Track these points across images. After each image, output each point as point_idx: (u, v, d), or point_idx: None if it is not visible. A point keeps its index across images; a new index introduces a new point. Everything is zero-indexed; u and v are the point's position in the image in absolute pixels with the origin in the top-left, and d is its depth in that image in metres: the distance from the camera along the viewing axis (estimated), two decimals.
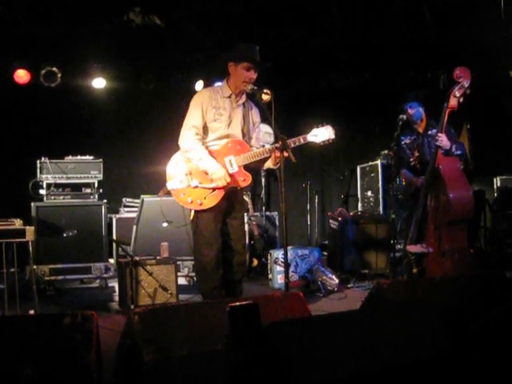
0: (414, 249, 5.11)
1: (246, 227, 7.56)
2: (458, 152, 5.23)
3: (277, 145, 4.11)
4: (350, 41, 7.70)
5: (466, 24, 7.27)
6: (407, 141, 5.65)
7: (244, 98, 4.52)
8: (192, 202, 4.30)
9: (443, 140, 4.98)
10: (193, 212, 4.43)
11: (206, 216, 4.33)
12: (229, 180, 4.25)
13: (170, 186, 4.36)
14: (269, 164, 4.47)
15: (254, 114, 4.62)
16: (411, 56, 8.05)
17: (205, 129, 4.40)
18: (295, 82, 8.40)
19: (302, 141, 4.33)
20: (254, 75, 4.34)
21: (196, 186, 4.30)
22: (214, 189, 4.30)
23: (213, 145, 4.40)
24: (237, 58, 4.36)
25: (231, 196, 4.41)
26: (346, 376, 2.28)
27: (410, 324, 2.60)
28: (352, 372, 2.30)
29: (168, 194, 4.57)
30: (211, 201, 4.29)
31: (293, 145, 4.25)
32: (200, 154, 4.28)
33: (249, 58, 4.33)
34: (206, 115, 4.37)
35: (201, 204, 4.28)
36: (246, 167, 4.41)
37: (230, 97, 4.45)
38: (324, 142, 4.41)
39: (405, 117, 5.51)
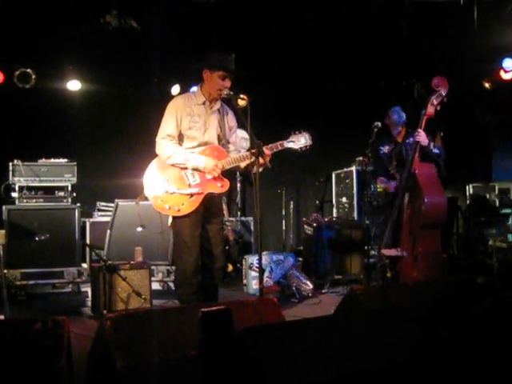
0: (388, 252, 5.17)
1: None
2: (436, 151, 5.30)
3: (252, 150, 4.10)
4: (326, 49, 7.75)
5: (440, 33, 7.38)
6: (385, 150, 5.69)
7: (218, 104, 4.52)
8: (170, 208, 4.29)
9: (422, 136, 5.06)
10: (171, 218, 4.42)
11: (184, 222, 4.32)
12: (219, 171, 4.26)
13: (147, 192, 4.35)
14: (255, 169, 4.42)
15: (230, 119, 4.62)
16: (386, 64, 8.13)
17: (181, 137, 4.41)
18: (271, 89, 8.41)
19: (279, 147, 4.35)
20: (228, 84, 4.34)
21: (173, 192, 4.29)
22: (191, 195, 4.29)
23: (191, 152, 4.38)
24: (212, 65, 4.36)
25: (209, 202, 4.41)
26: (319, 382, 2.28)
27: (383, 329, 2.61)
28: (326, 378, 2.31)
29: (145, 200, 4.54)
30: (189, 207, 4.29)
31: (270, 151, 4.26)
32: (184, 156, 4.30)
33: (224, 67, 4.34)
34: (181, 123, 4.37)
35: (178, 210, 4.27)
36: (223, 172, 4.40)
37: (204, 103, 4.44)
38: (301, 148, 4.44)
39: (380, 124, 5.57)
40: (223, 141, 4.52)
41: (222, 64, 4.35)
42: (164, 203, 4.30)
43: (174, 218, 4.37)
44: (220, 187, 4.37)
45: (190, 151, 4.37)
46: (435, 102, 5.04)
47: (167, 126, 4.37)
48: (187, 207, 4.28)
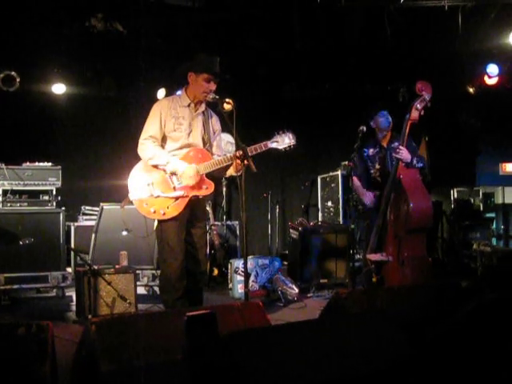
0: (374, 257, 5.18)
1: (207, 236, 7.55)
2: (420, 165, 5.33)
3: (237, 153, 4.12)
4: (311, 52, 7.78)
5: (425, 39, 7.44)
6: (369, 152, 5.70)
7: (203, 106, 4.53)
8: (155, 211, 4.28)
9: (403, 153, 5.08)
10: (156, 222, 4.40)
11: (169, 225, 4.31)
12: (198, 179, 4.25)
13: (132, 196, 4.34)
14: (231, 171, 4.46)
15: (214, 122, 4.63)
16: (371, 69, 8.18)
17: (165, 139, 4.40)
18: (256, 93, 8.43)
19: (263, 148, 4.34)
20: (213, 87, 4.36)
21: (158, 196, 4.28)
22: (176, 198, 4.29)
23: (175, 154, 4.38)
24: (197, 68, 4.37)
25: (194, 205, 4.41)
26: None
27: (367, 333, 2.62)
28: (311, 382, 2.31)
29: (130, 204, 4.53)
30: (174, 210, 4.28)
31: (254, 152, 4.25)
32: (166, 158, 4.29)
33: (209, 70, 4.35)
34: (166, 125, 4.37)
35: (164, 214, 4.26)
36: (208, 175, 4.41)
37: (188, 106, 4.45)
38: (285, 148, 4.44)
39: (365, 128, 5.58)
40: (208, 144, 4.52)
41: (207, 66, 4.36)
42: (149, 207, 4.29)
43: (160, 221, 4.36)
44: (205, 189, 4.36)
45: (173, 153, 4.36)
46: (419, 107, 5.08)
47: (151, 127, 4.36)
48: (172, 210, 4.27)
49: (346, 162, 7.83)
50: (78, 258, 6.49)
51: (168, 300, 4.39)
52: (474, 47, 7.43)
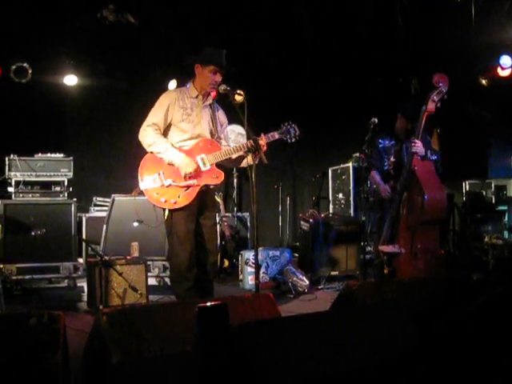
0: (386, 249, 5.18)
1: (218, 228, 7.56)
2: (434, 157, 5.31)
3: (249, 141, 4.18)
4: (321, 44, 7.74)
5: (437, 30, 7.37)
6: (386, 144, 5.67)
7: (210, 99, 4.58)
8: (166, 201, 4.31)
9: (419, 147, 5.07)
10: (167, 212, 4.42)
11: (179, 216, 4.34)
12: (195, 168, 4.29)
13: (143, 186, 4.36)
14: (248, 160, 4.42)
15: (221, 115, 4.70)
16: (382, 61, 8.13)
17: (174, 129, 4.44)
18: (266, 85, 8.41)
19: (270, 138, 4.40)
20: (219, 78, 4.41)
21: (169, 185, 4.31)
22: (187, 187, 4.32)
23: (184, 145, 4.43)
24: (204, 60, 4.43)
25: (204, 195, 4.44)
26: (315, 377, 2.29)
27: (378, 325, 2.62)
28: (322, 373, 2.32)
29: (141, 194, 4.57)
30: (185, 199, 4.31)
31: (266, 140, 4.31)
32: (164, 146, 4.32)
33: (215, 62, 4.40)
34: (173, 116, 4.41)
35: (175, 203, 4.29)
36: (219, 166, 4.44)
37: (196, 97, 4.51)
38: (291, 139, 4.50)
39: (376, 120, 5.56)
40: (216, 136, 4.58)
41: (213, 59, 4.42)
42: (160, 196, 4.32)
43: (170, 211, 4.38)
44: (215, 178, 4.41)
45: (182, 144, 4.40)
46: (436, 99, 5.07)
47: (155, 115, 4.41)
48: (183, 200, 4.31)
49: (358, 154, 7.86)
50: (90, 249, 6.53)
51: (179, 290, 4.43)
52: (487, 38, 7.35)
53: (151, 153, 4.39)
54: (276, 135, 4.41)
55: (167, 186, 4.31)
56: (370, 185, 6.06)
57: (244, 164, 4.58)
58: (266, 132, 4.41)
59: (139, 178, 4.38)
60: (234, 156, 4.43)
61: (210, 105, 4.57)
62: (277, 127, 4.52)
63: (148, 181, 4.34)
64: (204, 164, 4.37)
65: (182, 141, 4.43)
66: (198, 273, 4.46)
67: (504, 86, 8.08)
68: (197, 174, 4.33)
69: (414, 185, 5.05)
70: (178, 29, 7.32)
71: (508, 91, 8.04)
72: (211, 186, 4.45)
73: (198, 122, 4.46)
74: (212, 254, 4.55)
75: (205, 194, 4.44)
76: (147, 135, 4.36)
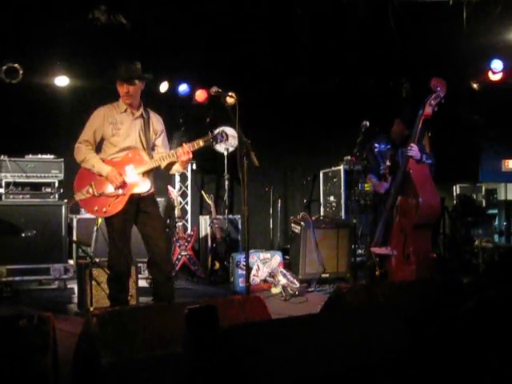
0: (378, 251, 5.20)
1: (209, 230, 7.56)
2: (429, 161, 5.34)
3: (182, 149, 4.40)
4: (314, 47, 7.75)
5: (429, 34, 7.40)
6: (381, 149, 5.69)
7: (141, 110, 4.70)
8: (97, 210, 4.52)
9: (415, 150, 5.10)
10: (100, 219, 4.66)
11: (112, 222, 4.53)
12: (121, 179, 4.44)
13: (77, 197, 4.58)
14: (177, 168, 4.70)
15: (155, 123, 4.79)
16: (374, 63, 8.15)
17: (107, 143, 4.62)
18: (259, 87, 8.41)
19: (195, 146, 4.50)
20: (125, 89, 4.56)
21: (100, 195, 4.50)
22: (116, 196, 4.49)
23: (115, 157, 4.59)
24: (115, 77, 4.63)
25: (138, 201, 4.59)
26: (305, 379, 2.29)
27: (368, 327, 2.63)
28: (311, 375, 2.32)
29: (76, 204, 4.94)
30: (114, 207, 4.48)
31: (191, 148, 4.44)
32: (92, 162, 4.52)
33: (120, 76, 4.58)
34: (103, 132, 4.58)
35: (105, 212, 4.50)
36: (147, 174, 4.58)
37: (125, 111, 4.65)
38: (219, 143, 4.65)
39: (368, 123, 5.58)
40: (146, 144, 4.67)
41: (120, 72, 4.59)
42: (92, 206, 4.53)
43: (105, 218, 4.62)
44: (143, 188, 4.56)
45: (113, 156, 4.58)
46: (433, 103, 5.11)
47: (85, 132, 4.63)
48: (113, 208, 4.49)
49: (349, 157, 7.88)
50: (80, 251, 6.51)
51: (112, 291, 4.60)
52: (479, 42, 7.39)
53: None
54: (201, 143, 4.51)
55: (98, 196, 4.50)
56: (361, 187, 6.08)
57: (173, 171, 4.80)
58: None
59: (74, 189, 4.59)
60: (162, 164, 4.59)
61: (141, 115, 4.68)
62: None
63: (82, 191, 4.54)
64: (132, 174, 4.53)
65: (114, 153, 4.59)
66: (153, 272, 4.71)
67: (495, 89, 8.12)
68: (124, 184, 4.49)
69: (409, 187, 5.08)
70: (169, 30, 7.31)
71: (499, 95, 8.08)
72: (141, 195, 4.58)
73: (128, 134, 4.60)
74: (163, 252, 4.64)
75: (142, 200, 4.60)
76: (79, 152, 4.58)
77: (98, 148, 4.64)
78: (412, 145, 5.10)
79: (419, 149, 5.16)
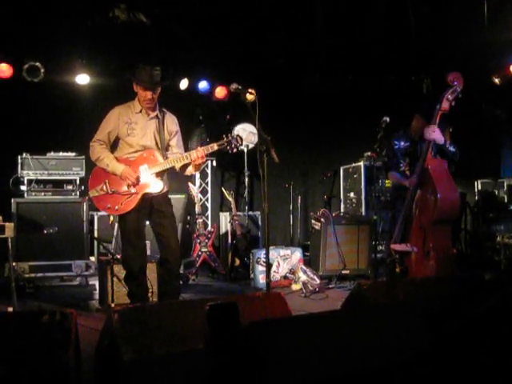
0: (398, 247, 5.16)
1: (229, 226, 7.58)
2: (452, 149, 5.26)
3: (196, 152, 4.42)
4: (332, 43, 7.71)
5: (450, 28, 7.33)
6: (401, 145, 5.63)
7: (156, 111, 4.73)
8: (110, 207, 4.60)
9: (437, 134, 5.03)
10: (112, 217, 4.78)
11: (125, 219, 4.60)
12: (135, 176, 4.50)
13: (91, 194, 4.65)
14: (191, 170, 4.71)
15: (170, 124, 4.82)
16: (394, 59, 8.09)
17: (122, 143, 4.67)
18: (279, 83, 8.39)
19: (210, 150, 4.50)
20: (149, 95, 4.59)
21: (113, 193, 4.57)
22: (129, 195, 4.55)
23: (131, 157, 4.65)
24: (135, 79, 4.65)
25: (152, 200, 4.63)
26: (325, 377, 2.29)
27: (389, 324, 2.61)
28: (332, 373, 2.31)
29: (90, 201, 4.99)
30: (127, 206, 4.55)
31: (205, 152, 4.47)
32: (107, 161, 4.58)
33: (143, 82, 4.59)
34: (119, 131, 4.64)
35: (117, 210, 4.58)
36: (161, 174, 4.61)
37: (140, 111, 4.69)
38: (232, 150, 4.57)
39: (388, 119, 5.53)
40: (161, 144, 4.71)
41: (140, 77, 4.61)
42: (105, 203, 4.60)
43: (118, 216, 4.72)
44: (155, 188, 4.60)
45: (128, 156, 4.63)
46: (450, 98, 5.04)
47: (100, 132, 4.69)
48: (125, 206, 4.56)
49: (369, 153, 7.83)
50: (101, 247, 6.56)
51: (130, 286, 4.67)
52: (500, 37, 7.30)
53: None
54: (215, 146, 4.52)
55: (111, 194, 4.58)
56: (381, 183, 6.04)
57: (187, 173, 4.80)
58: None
59: (88, 186, 4.67)
60: (177, 165, 4.61)
61: (156, 115, 4.72)
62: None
63: (96, 189, 4.62)
64: (145, 174, 4.57)
65: (129, 153, 4.64)
66: (162, 269, 4.76)
67: None
68: (137, 182, 4.54)
69: (427, 183, 5.03)
70: (189, 28, 7.32)
71: None
72: (153, 194, 4.61)
73: (143, 135, 4.65)
74: (174, 251, 4.68)
75: (155, 199, 4.64)
76: (93, 151, 4.65)
77: (114, 146, 4.71)
78: (434, 127, 5.03)
79: (441, 132, 5.08)
